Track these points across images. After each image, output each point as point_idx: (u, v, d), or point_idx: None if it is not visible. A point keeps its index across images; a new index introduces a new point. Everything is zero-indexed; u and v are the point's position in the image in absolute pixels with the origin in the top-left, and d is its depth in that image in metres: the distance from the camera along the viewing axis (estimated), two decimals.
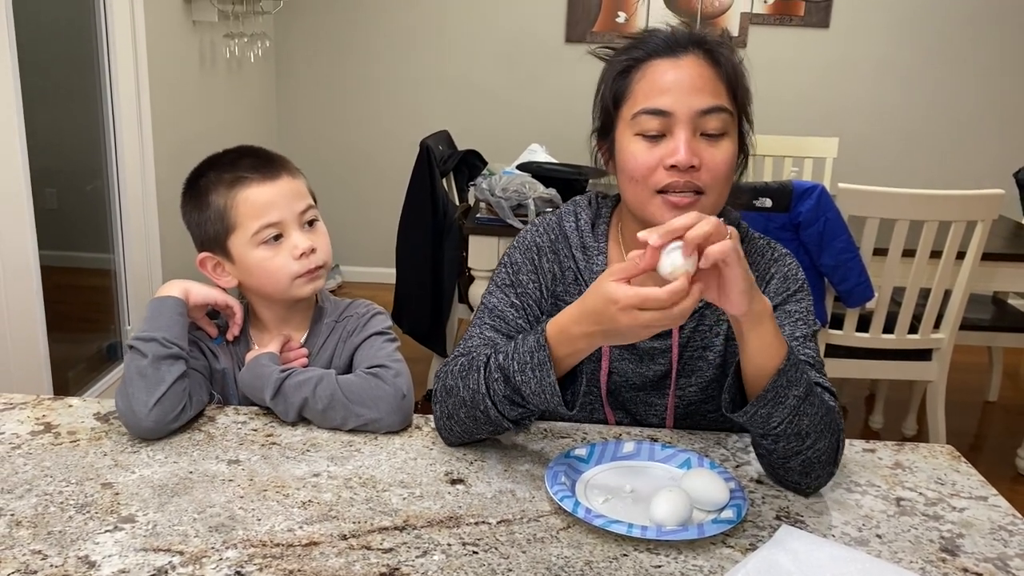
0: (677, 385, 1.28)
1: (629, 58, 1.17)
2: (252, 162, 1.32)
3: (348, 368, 1.35)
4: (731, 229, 0.97)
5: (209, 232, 1.32)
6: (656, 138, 1.13)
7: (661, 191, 1.14)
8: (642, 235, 0.95)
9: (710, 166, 1.12)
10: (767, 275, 1.24)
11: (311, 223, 1.34)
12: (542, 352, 1.04)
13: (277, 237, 1.30)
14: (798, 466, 1.08)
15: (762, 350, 1.03)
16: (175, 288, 1.30)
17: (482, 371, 1.11)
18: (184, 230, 1.38)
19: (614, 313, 0.95)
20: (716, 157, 1.12)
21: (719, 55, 1.15)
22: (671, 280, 0.93)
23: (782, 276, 1.24)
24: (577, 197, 1.33)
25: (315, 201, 1.36)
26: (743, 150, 1.20)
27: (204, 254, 1.35)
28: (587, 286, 1.19)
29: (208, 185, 1.32)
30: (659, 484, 1.08)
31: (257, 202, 1.29)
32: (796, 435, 1.05)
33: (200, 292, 1.31)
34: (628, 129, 1.16)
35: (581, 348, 1.04)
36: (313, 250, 1.31)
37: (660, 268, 0.94)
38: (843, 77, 4.44)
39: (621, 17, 4.39)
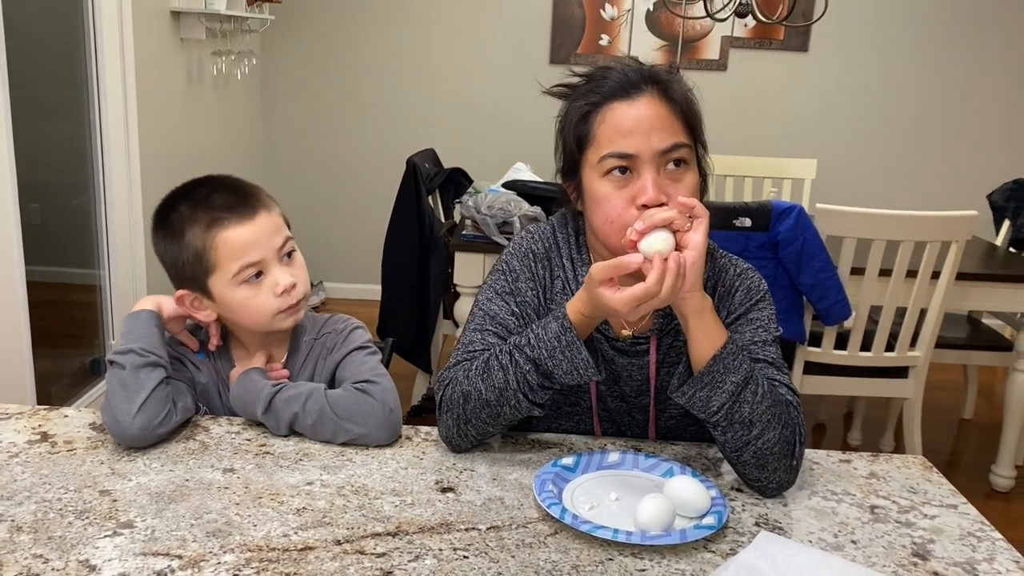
0: (657, 401, 1.32)
1: (587, 103, 1.22)
2: (227, 199, 1.30)
3: (331, 384, 1.36)
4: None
5: (187, 273, 1.30)
6: (623, 177, 1.18)
7: None
8: (629, 232, 1.11)
9: (676, 199, 1.16)
10: (732, 288, 1.30)
11: (289, 254, 1.34)
12: (569, 334, 1.15)
13: (258, 275, 1.30)
14: (751, 458, 1.15)
15: (703, 339, 1.15)
16: (147, 302, 1.32)
17: (508, 368, 1.18)
18: None
19: (622, 314, 1.10)
20: (680, 191, 1.18)
21: (671, 90, 1.21)
22: (649, 256, 1.09)
23: (746, 288, 1.30)
24: (562, 210, 1.38)
25: (289, 226, 1.36)
26: (701, 173, 1.25)
27: (182, 292, 1.33)
28: (573, 295, 1.25)
29: (182, 222, 1.29)
30: (643, 492, 1.11)
31: (236, 243, 1.27)
32: (741, 423, 1.14)
33: (172, 305, 1.34)
34: (595, 172, 1.20)
35: (597, 323, 1.19)
36: (294, 285, 1.31)
37: (640, 247, 1.10)
38: (822, 100, 4.53)
39: (604, 40, 4.46)
